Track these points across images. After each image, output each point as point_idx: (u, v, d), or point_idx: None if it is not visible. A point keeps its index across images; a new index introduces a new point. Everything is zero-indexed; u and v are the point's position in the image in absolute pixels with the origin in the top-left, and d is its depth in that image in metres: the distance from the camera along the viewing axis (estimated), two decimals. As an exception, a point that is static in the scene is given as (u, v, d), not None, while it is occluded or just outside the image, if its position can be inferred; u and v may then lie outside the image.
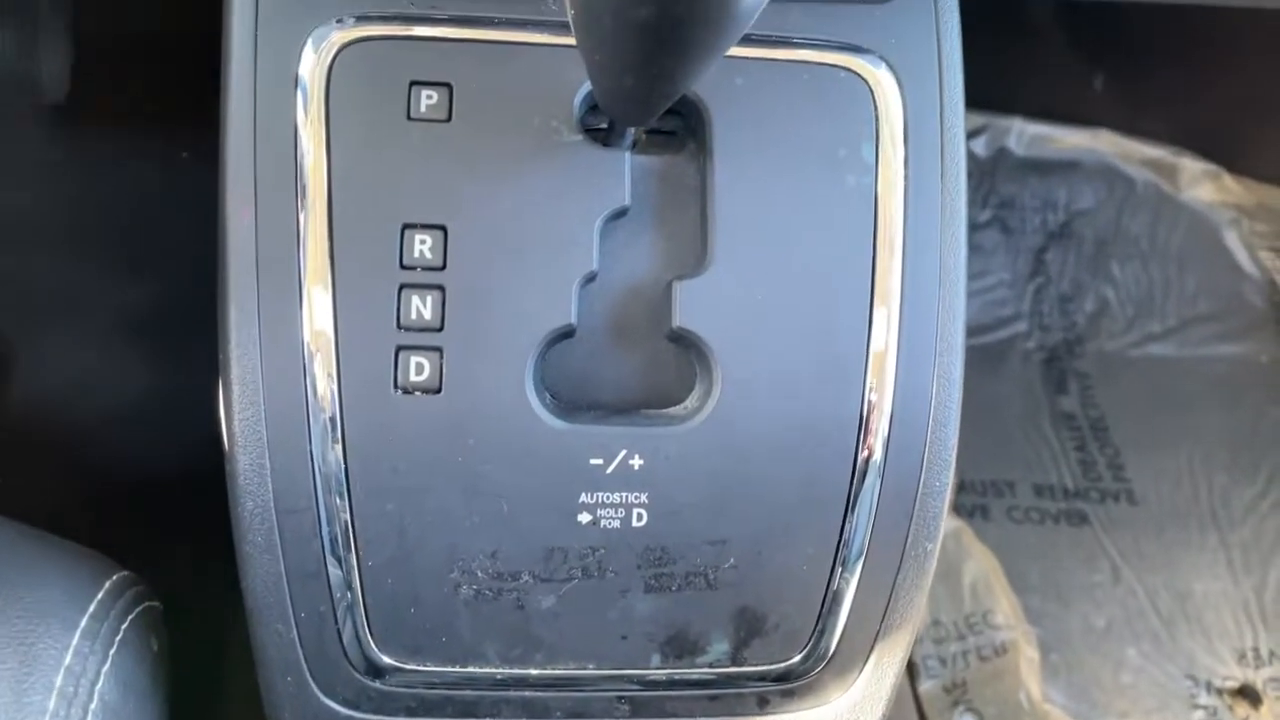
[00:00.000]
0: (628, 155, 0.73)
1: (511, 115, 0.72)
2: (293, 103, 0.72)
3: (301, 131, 0.72)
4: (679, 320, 0.72)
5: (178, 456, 1.56)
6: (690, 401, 0.73)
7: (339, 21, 0.73)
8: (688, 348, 0.73)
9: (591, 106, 0.74)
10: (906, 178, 0.75)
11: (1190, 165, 2.15)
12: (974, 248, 2.20)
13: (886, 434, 0.75)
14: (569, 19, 0.58)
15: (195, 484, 0.97)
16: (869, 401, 0.74)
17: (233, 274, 0.70)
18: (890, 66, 0.77)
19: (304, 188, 0.71)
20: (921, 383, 0.75)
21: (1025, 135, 2.16)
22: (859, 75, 0.76)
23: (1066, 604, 1.71)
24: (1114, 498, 1.87)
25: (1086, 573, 1.76)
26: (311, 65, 0.72)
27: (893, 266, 0.75)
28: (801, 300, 0.74)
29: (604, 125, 0.74)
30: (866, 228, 0.75)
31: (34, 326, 1.73)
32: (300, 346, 0.69)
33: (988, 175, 2.15)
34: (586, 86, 0.74)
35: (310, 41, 0.72)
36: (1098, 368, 2.06)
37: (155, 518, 1.51)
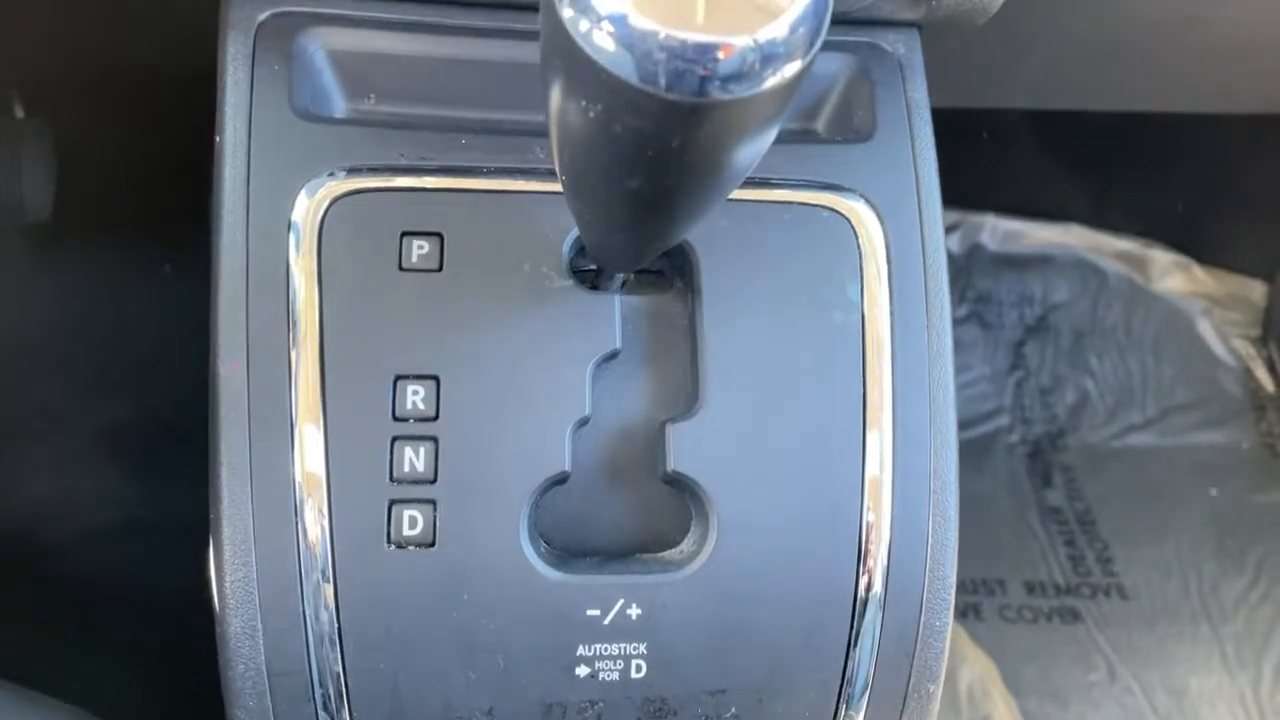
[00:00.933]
0: (617, 298, 0.74)
1: (502, 263, 0.73)
2: (285, 255, 0.72)
3: (294, 283, 0.72)
4: (673, 464, 0.72)
5: (155, 579, 1.53)
6: (686, 545, 0.73)
7: (330, 175, 0.74)
8: (682, 490, 0.73)
9: (580, 249, 0.75)
10: (892, 311, 0.76)
11: (1160, 257, 2.19)
12: (954, 344, 2.23)
13: (885, 564, 0.74)
14: (560, 181, 0.59)
15: (173, 612, 0.95)
16: (866, 528, 0.74)
17: (224, 429, 0.70)
18: (871, 203, 0.78)
19: (296, 341, 0.71)
20: (917, 514, 0.75)
21: (998, 231, 2.20)
22: (841, 213, 0.78)
23: (1064, 705, 1.69)
24: (1105, 593, 1.86)
25: (1082, 672, 1.74)
26: (304, 217, 0.73)
27: (883, 400, 0.76)
28: (794, 437, 0.74)
29: (593, 267, 0.75)
30: (855, 363, 0.75)
31: (11, 443, 1.70)
32: (292, 504, 0.68)
33: (963, 271, 2.18)
34: (575, 232, 0.75)
35: (303, 194, 0.73)
36: (1082, 460, 2.07)
37: (131, 646, 1.48)
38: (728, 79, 0.47)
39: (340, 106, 0.81)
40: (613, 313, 0.73)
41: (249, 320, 0.71)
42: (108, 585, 1.63)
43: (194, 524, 0.73)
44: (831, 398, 0.75)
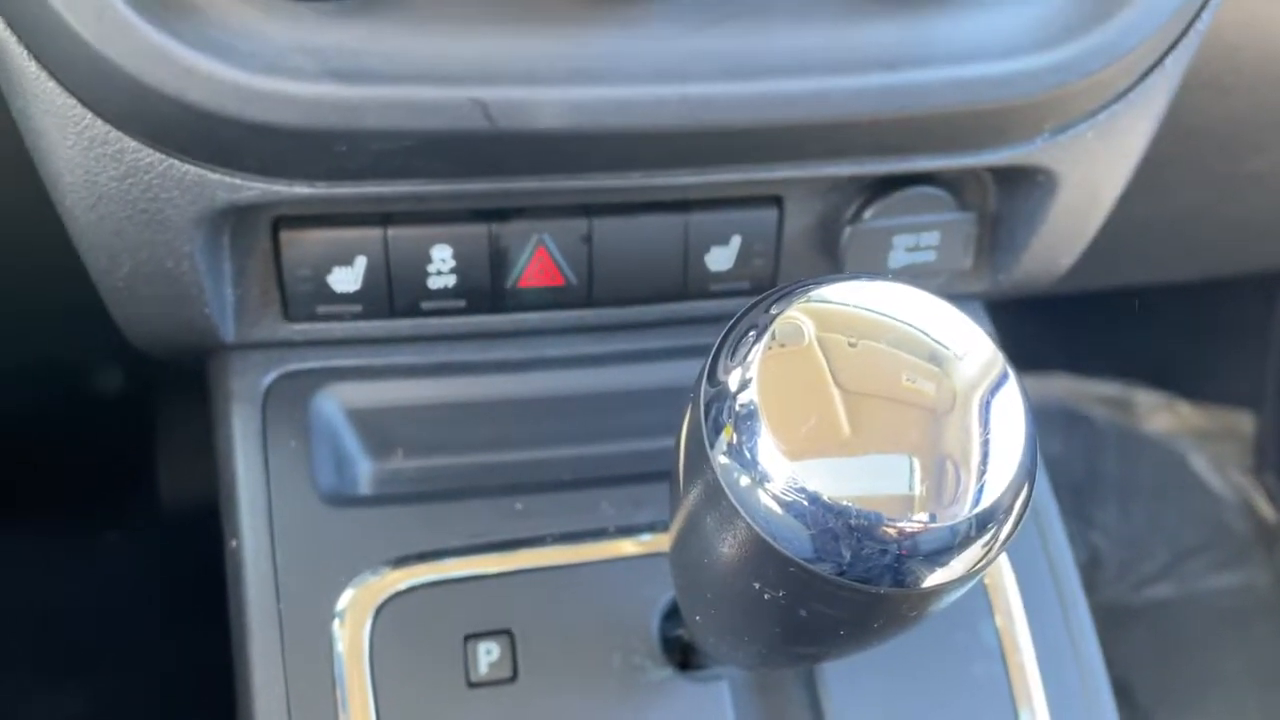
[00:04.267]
0: (727, 685, 0.63)
1: (587, 659, 0.62)
2: (330, 679, 0.61)
3: (345, 715, 0.60)
4: None
5: None
6: None
7: (373, 571, 0.63)
8: None
9: (672, 612, 0.65)
10: (1032, 645, 0.67)
11: (1145, 398, 2.17)
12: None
13: None
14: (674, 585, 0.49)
15: None
16: None
17: None
18: None
19: None
20: None
21: (980, 389, 2.15)
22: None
23: None
24: (1160, 772, 1.76)
25: None
26: (348, 633, 0.61)
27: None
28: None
29: (685, 634, 0.65)
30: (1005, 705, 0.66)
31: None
32: None
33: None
34: (664, 600, 0.64)
35: (343, 602, 0.62)
36: (1104, 623, 1.98)
37: None
38: (931, 555, 0.38)
39: (366, 471, 0.70)
40: (724, 707, 0.62)
41: None
42: None
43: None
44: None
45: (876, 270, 0.74)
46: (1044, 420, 2.16)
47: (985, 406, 0.43)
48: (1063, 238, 0.74)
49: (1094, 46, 0.61)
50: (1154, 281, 1.59)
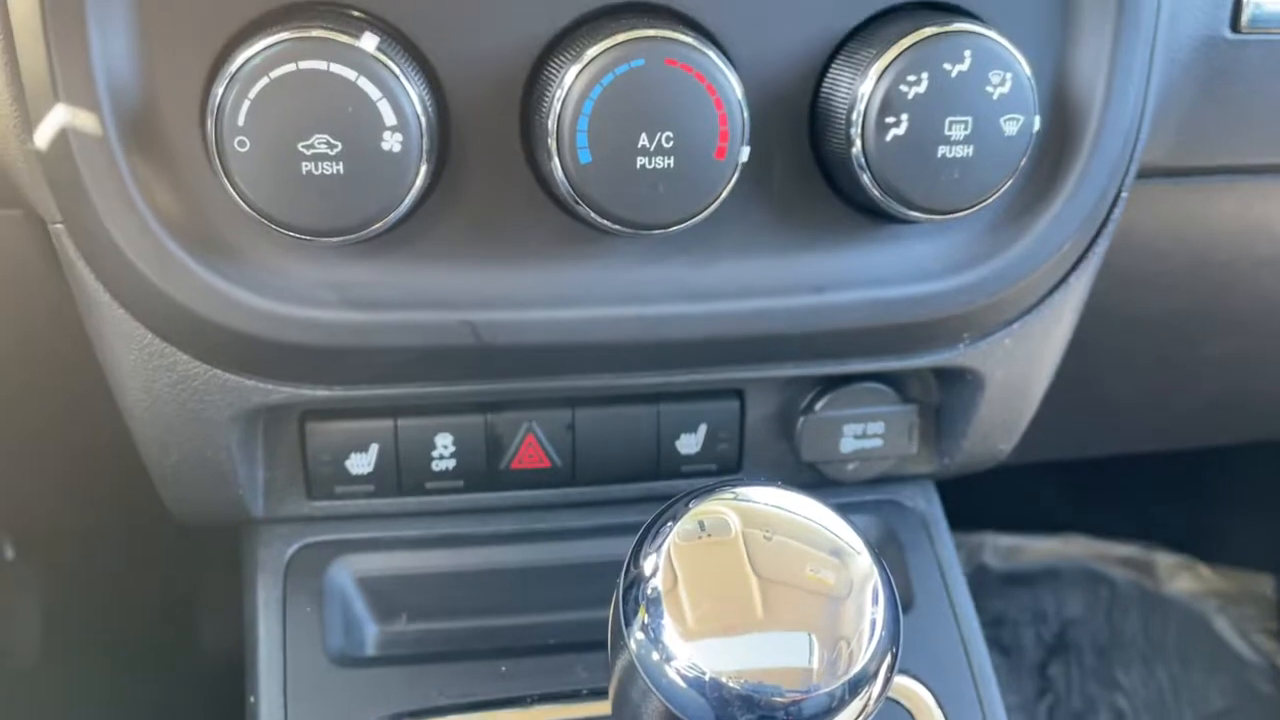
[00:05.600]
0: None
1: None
2: None
3: None
4: None
5: None
6: None
7: None
8: None
9: None
10: None
11: (1165, 559, 2.18)
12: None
13: None
14: None
15: None
16: None
17: None
18: (925, 684, 0.77)
19: None
20: None
21: (1000, 548, 2.18)
22: (896, 700, 0.76)
23: None
24: None
25: None
26: None
27: None
28: None
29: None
30: None
31: None
32: None
33: (973, 595, 2.15)
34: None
35: None
36: (1132, 788, 1.96)
37: None
38: (815, 717, 0.46)
39: (372, 634, 0.79)
40: None
41: None
42: None
43: None
44: None
45: (830, 456, 0.83)
46: (1065, 580, 2.18)
47: (866, 593, 0.52)
48: (997, 426, 0.83)
49: (995, 272, 0.71)
50: (1148, 450, 1.65)
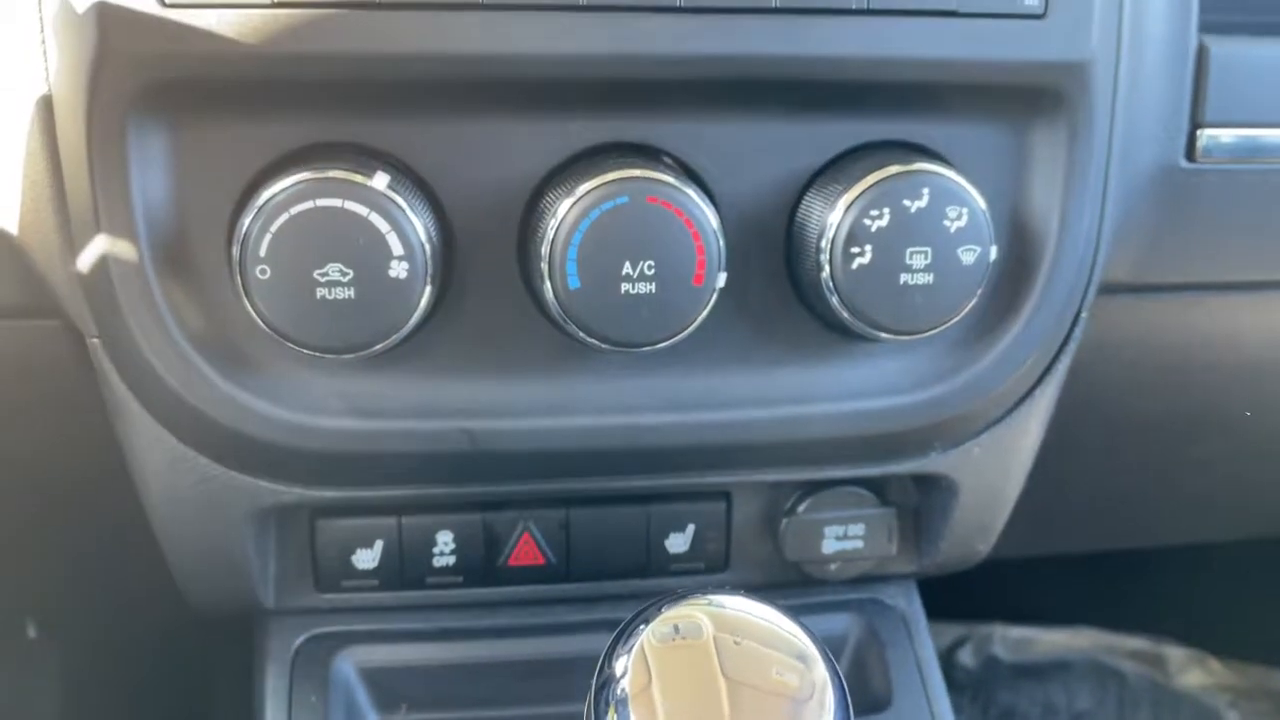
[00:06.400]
0: None
1: None
2: None
3: None
4: None
5: None
6: None
7: None
8: None
9: None
10: None
11: (1175, 653, 2.17)
12: (986, 768, 2.15)
13: None
14: None
15: None
16: None
17: None
18: None
19: None
20: None
21: (1009, 639, 2.19)
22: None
23: None
24: None
25: None
26: None
27: None
28: None
29: None
30: None
31: None
32: None
33: (983, 686, 2.15)
34: None
35: None
36: None
37: None
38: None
39: None
40: None
41: None
42: None
43: None
44: None
45: (813, 556, 0.87)
46: (1075, 672, 2.18)
47: (826, 697, 0.56)
48: (972, 529, 0.87)
49: (960, 386, 0.76)
50: (1146, 546, 1.67)
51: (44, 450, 0.93)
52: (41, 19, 0.66)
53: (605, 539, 0.85)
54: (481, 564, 0.84)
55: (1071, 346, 0.81)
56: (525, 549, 0.85)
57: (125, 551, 1.05)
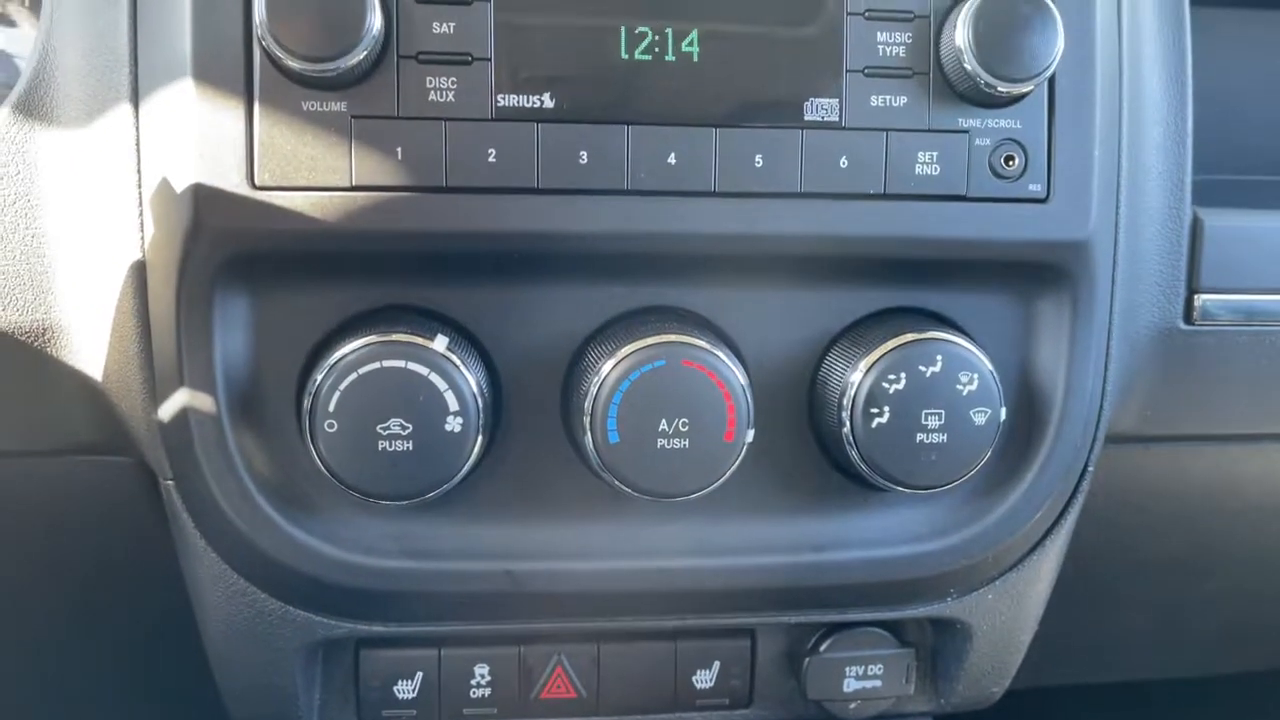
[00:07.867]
0: None
1: None
2: None
3: None
4: None
5: None
6: None
7: None
8: None
9: None
10: None
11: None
12: None
13: None
14: None
15: None
16: None
17: None
18: None
19: None
20: None
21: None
22: None
23: None
24: None
25: None
26: None
27: None
28: None
29: None
30: None
31: None
32: None
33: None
34: None
35: None
36: None
37: None
38: None
39: None
40: None
41: None
42: None
43: None
44: None
45: (834, 695, 0.91)
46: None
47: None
48: (987, 671, 0.91)
49: (974, 536, 0.81)
50: (1167, 678, 1.67)
51: (106, 578, 0.98)
52: (140, 194, 0.73)
53: (634, 674, 0.89)
54: (515, 696, 0.88)
55: (1080, 498, 0.86)
56: (558, 682, 0.88)
57: (180, 675, 1.09)
